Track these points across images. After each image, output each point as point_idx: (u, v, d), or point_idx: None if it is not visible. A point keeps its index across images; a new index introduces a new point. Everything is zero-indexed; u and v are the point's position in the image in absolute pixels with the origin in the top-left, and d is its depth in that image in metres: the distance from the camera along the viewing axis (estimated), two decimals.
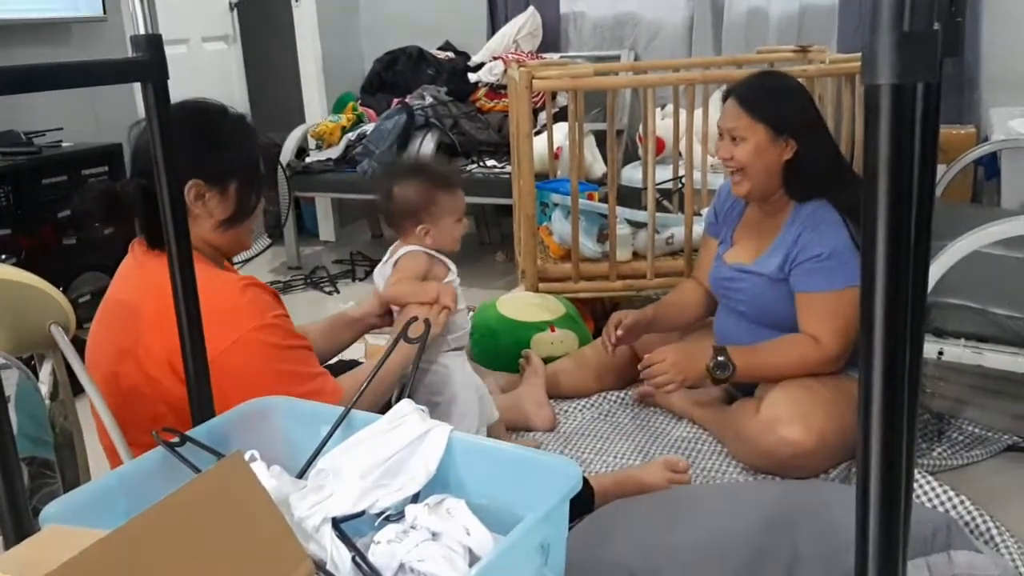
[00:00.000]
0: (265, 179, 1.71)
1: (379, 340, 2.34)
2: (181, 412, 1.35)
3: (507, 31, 4.40)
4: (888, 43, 0.57)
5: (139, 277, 1.61)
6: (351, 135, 4.21)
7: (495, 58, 4.32)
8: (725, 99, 2.13)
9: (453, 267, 1.97)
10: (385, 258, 1.98)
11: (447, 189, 1.94)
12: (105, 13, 3.43)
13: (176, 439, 1.14)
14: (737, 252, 2.21)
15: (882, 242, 0.61)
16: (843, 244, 1.99)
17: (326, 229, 4.84)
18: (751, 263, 2.14)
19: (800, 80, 2.30)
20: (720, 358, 2.03)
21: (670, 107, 3.10)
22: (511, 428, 2.25)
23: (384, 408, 1.18)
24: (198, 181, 1.58)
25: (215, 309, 1.35)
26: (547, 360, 2.51)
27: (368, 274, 4.17)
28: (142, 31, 1.13)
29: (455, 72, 4.38)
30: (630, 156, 4.15)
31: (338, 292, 3.94)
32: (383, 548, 1.00)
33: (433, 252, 1.95)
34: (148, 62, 1.13)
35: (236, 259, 2.08)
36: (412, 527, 1.03)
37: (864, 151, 0.61)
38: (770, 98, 2.08)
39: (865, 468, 0.68)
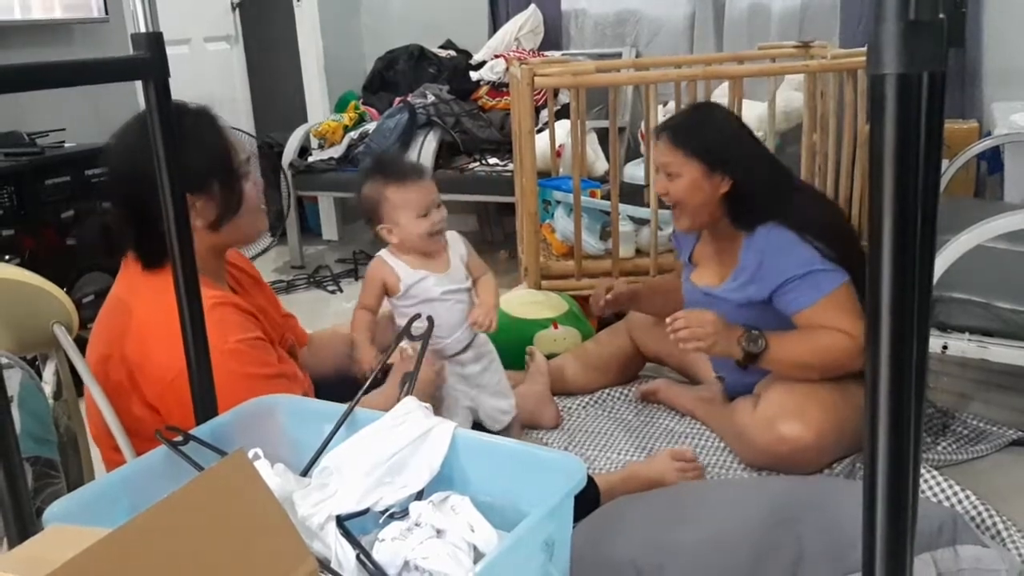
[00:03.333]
0: (244, 165, 1.66)
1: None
2: (158, 422, 1.34)
3: (508, 29, 4.40)
4: (893, 32, 0.56)
5: (129, 283, 1.61)
6: (353, 134, 4.21)
7: (496, 56, 4.32)
8: (658, 136, 2.12)
9: (406, 273, 1.88)
10: None
11: (398, 182, 1.86)
12: (107, 14, 3.44)
13: (179, 438, 1.14)
14: (702, 274, 2.19)
15: (888, 234, 0.61)
16: (811, 257, 1.97)
17: (329, 228, 4.85)
18: (718, 288, 2.12)
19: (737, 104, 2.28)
20: (754, 331, 1.99)
21: (672, 104, 3.10)
22: None
23: None
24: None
25: (176, 327, 1.25)
26: (550, 358, 2.51)
27: None
28: (143, 29, 1.13)
29: (457, 70, 4.37)
30: (632, 153, 4.14)
31: (341, 291, 3.94)
32: (387, 546, 1.00)
33: (387, 258, 1.89)
34: (149, 60, 1.13)
35: (247, 254, 2.05)
36: (416, 524, 1.03)
37: (869, 142, 0.60)
38: (701, 133, 2.06)
39: (872, 463, 0.67)
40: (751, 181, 2.03)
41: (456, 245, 1.95)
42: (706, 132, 2.07)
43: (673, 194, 2.06)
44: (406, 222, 1.86)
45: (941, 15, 0.56)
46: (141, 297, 1.55)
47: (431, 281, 1.89)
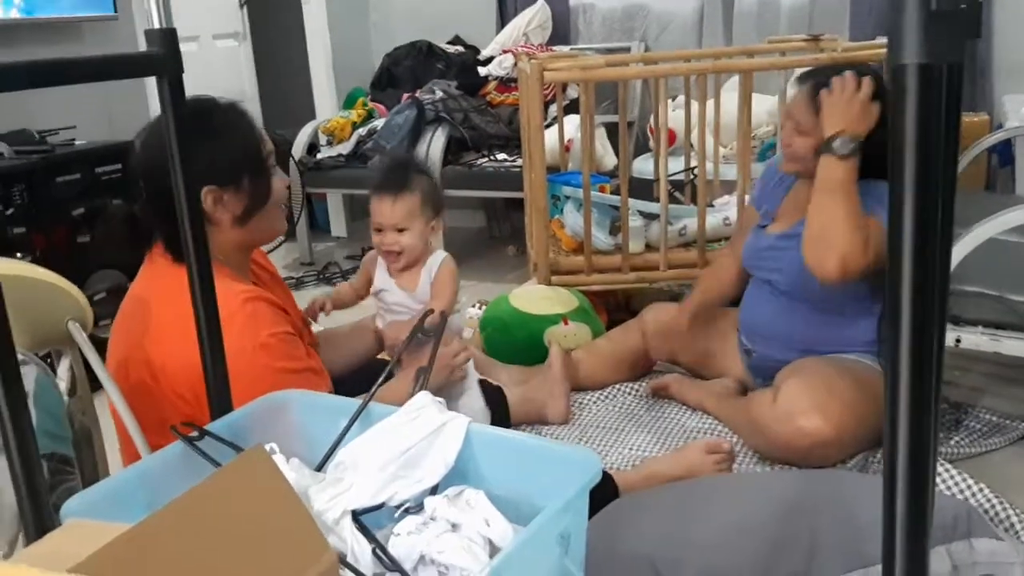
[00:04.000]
0: (272, 159, 1.68)
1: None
2: (184, 414, 1.34)
3: (517, 24, 4.40)
4: (915, 22, 0.56)
5: (152, 277, 1.61)
6: (362, 131, 4.21)
7: (505, 51, 4.31)
8: (801, 82, 2.13)
9: (379, 276, 1.95)
10: None
11: (373, 191, 1.91)
12: (116, 12, 3.44)
13: (195, 433, 1.14)
14: (780, 225, 2.20)
15: (909, 224, 0.60)
16: None
17: (338, 225, 4.85)
18: (790, 228, 2.12)
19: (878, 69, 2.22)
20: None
21: (681, 98, 3.09)
22: (524, 421, 2.24)
23: None
24: (212, 187, 1.56)
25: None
26: None
27: None
28: (156, 25, 1.13)
29: (465, 66, 4.37)
30: (641, 148, 4.14)
31: None
32: (403, 540, 1.00)
33: (379, 260, 1.96)
34: (163, 56, 1.13)
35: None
36: (432, 519, 1.03)
37: (889, 132, 0.60)
38: None
39: (892, 457, 0.67)
40: (873, 144, 2.00)
41: (432, 268, 1.93)
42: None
43: (797, 149, 2.09)
44: (374, 232, 1.93)
45: (963, 5, 0.56)
46: (163, 294, 1.55)
47: (392, 290, 1.94)
